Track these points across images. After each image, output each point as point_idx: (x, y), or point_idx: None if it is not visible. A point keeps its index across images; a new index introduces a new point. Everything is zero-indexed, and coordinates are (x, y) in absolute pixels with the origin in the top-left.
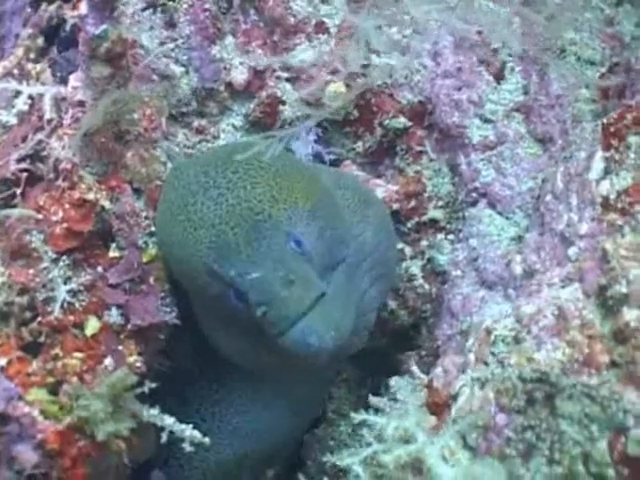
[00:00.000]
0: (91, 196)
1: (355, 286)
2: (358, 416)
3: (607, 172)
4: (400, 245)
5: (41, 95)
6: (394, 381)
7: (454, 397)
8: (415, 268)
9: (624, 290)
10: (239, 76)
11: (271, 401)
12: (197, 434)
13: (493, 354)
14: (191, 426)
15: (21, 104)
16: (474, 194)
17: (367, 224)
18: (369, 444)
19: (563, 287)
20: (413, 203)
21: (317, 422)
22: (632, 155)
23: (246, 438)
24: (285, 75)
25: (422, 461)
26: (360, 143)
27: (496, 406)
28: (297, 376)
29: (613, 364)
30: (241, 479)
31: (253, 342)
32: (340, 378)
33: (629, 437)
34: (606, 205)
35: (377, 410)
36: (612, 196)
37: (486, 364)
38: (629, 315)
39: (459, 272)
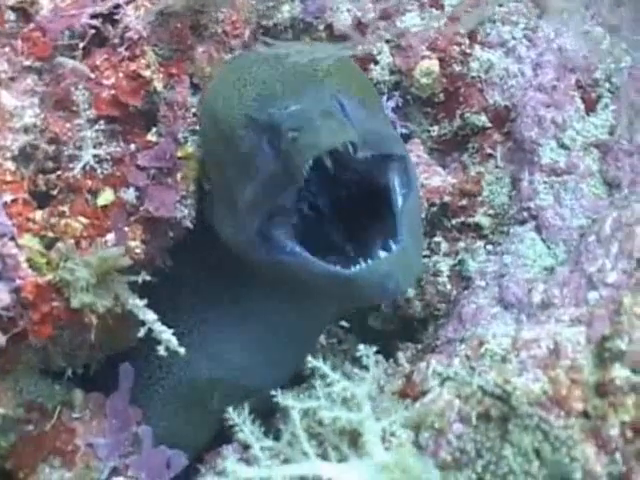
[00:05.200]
0: (147, 73)
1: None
2: (313, 361)
3: None
4: (438, 238)
5: None
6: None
7: (424, 393)
8: (444, 265)
9: (623, 347)
10: (342, 21)
11: (259, 339)
12: (174, 341)
13: (474, 363)
14: (171, 331)
15: None
16: (525, 213)
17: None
18: (317, 397)
19: (569, 326)
20: (464, 202)
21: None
22: None
23: (225, 365)
24: (387, 36)
25: (360, 434)
26: (436, 127)
27: (457, 414)
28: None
29: (584, 414)
30: (211, 402)
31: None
32: (340, 347)
33: None
34: None
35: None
36: None
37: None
38: (618, 372)
39: (483, 283)
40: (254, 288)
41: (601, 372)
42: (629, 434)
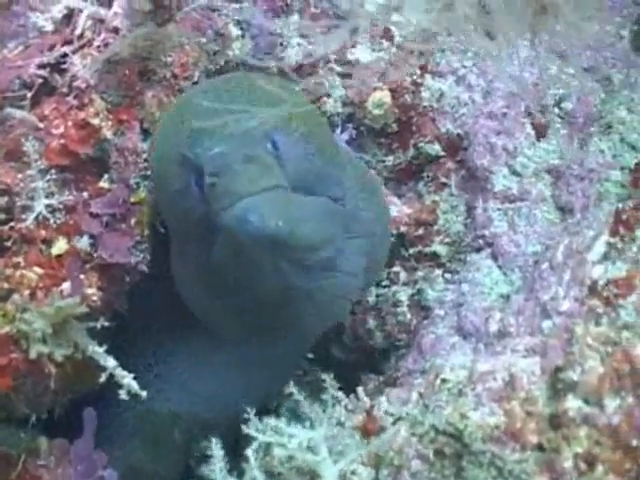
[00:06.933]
0: (96, 121)
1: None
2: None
3: (606, 258)
4: (396, 268)
5: (80, 11)
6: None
7: (384, 428)
8: (403, 295)
9: (575, 377)
10: (293, 56)
11: (226, 372)
12: (134, 385)
13: (429, 400)
14: (132, 375)
15: (56, 12)
16: (481, 241)
17: (370, 207)
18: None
19: (524, 357)
20: (421, 231)
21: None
22: (634, 249)
23: (192, 397)
24: (338, 69)
25: (318, 475)
26: (391, 158)
27: (415, 451)
28: (258, 346)
29: (539, 447)
30: (173, 436)
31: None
32: (305, 379)
33: None
34: (593, 290)
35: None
36: (601, 282)
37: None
38: (571, 403)
39: (442, 312)
40: None
41: (555, 404)
42: (582, 466)
